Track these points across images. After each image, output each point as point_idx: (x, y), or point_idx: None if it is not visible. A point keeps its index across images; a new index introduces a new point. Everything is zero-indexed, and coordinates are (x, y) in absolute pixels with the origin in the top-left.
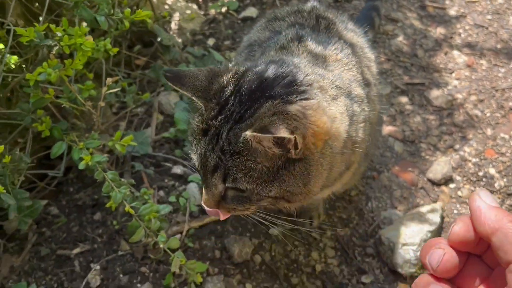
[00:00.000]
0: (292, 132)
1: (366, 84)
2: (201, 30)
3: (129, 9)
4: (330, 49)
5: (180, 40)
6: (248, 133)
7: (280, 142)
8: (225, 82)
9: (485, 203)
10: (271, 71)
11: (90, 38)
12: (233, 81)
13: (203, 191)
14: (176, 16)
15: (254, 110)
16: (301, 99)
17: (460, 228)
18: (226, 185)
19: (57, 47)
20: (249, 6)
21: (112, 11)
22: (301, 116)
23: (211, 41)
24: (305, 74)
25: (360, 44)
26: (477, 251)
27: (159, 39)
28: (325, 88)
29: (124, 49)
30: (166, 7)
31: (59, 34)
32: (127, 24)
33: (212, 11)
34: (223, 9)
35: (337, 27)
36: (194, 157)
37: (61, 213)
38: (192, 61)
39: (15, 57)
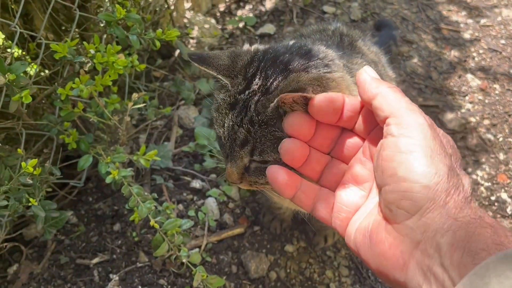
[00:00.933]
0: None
1: None
2: (219, 45)
3: (160, 30)
4: (352, 63)
5: None
6: (281, 95)
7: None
8: (249, 59)
9: (369, 76)
10: (294, 48)
11: (122, 57)
12: (256, 58)
13: (228, 165)
14: (195, 30)
15: (280, 81)
16: (325, 72)
17: (321, 100)
18: (254, 157)
19: (89, 64)
20: (266, 23)
21: (144, 31)
22: (325, 84)
23: None
24: (326, 52)
25: (382, 62)
26: (349, 125)
27: (177, 53)
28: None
29: (145, 62)
30: (185, 20)
31: (92, 51)
32: (158, 44)
33: (230, 27)
34: (241, 25)
35: (359, 44)
36: (221, 131)
37: (80, 222)
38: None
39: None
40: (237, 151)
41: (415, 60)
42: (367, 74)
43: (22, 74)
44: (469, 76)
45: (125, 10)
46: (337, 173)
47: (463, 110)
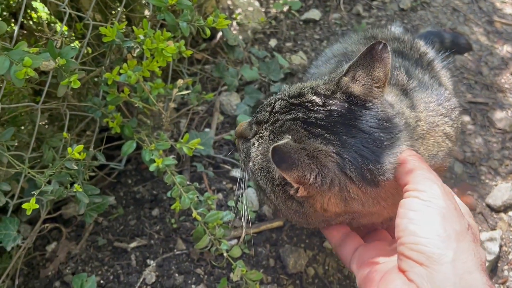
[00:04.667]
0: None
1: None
2: (262, 29)
3: (211, 18)
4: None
5: (240, 37)
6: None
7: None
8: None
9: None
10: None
11: (171, 44)
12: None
13: (247, 121)
14: (238, 12)
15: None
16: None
17: None
18: (254, 139)
19: (138, 49)
20: (312, 8)
21: (194, 17)
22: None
23: (272, 42)
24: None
25: (450, 88)
26: None
27: (219, 35)
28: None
29: (188, 45)
30: (229, 2)
31: (141, 36)
32: (208, 32)
33: (274, 10)
34: (285, 8)
35: (436, 66)
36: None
37: (119, 204)
38: (255, 62)
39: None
40: (257, 127)
41: (465, 53)
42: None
43: (71, 59)
44: None
45: None
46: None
47: None
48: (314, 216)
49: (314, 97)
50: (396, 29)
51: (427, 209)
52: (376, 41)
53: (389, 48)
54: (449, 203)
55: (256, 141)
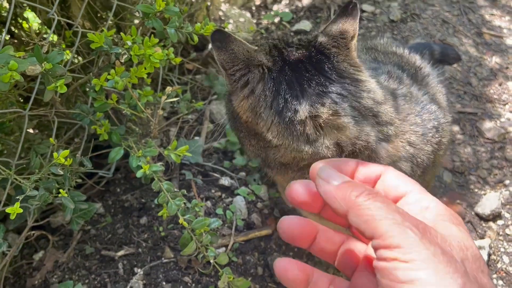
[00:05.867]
0: (226, 69)
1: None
2: (253, 39)
3: (199, 25)
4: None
5: None
6: None
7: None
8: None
9: (330, 186)
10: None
11: (158, 50)
12: None
13: None
14: (230, 23)
15: None
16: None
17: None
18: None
19: (126, 55)
20: (303, 19)
21: (182, 24)
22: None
23: None
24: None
25: (443, 104)
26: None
27: (210, 46)
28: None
29: (179, 54)
30: (220, 13)
31: (129, 43)
32: (196, 39)
33: (265, 21)
34: (276, 20)
35: (431, 82)
36: None
37: (107, 212)
38: None
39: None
40: None
41: (455, 64)
42: (326, 185)
43: (58, 64)
44: (510, 84)
45: (164, 2)
46: (353, 255)
47: (502, 119)
48: (239, 120)
49: (294, 39)
50: (396, 47)
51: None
52: (348, 1)
53: (358, 6)
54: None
55: None
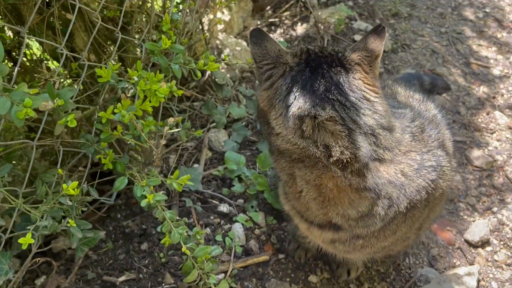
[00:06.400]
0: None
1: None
2: (250, 68)
3: (202, 61)
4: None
5: (228, 75)
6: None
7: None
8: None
9: None
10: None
11: (163, 85)
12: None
13: None
14: (226, 51)
15: None
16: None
17: None
18: None
19: (132, 90)
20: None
21: (185, 60)
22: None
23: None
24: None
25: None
26: None
27: (207, 74)
28: None
29: (178, 83)
30: (217, 42)
31: (135, 78)
32: (199, 74)
33: None
34: None
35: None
36: None
37: (108, 238)
38: (243, 100)
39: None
40: None
41: (444, 94)
42: None
43: (69, 99)
44: (497, 113)
45: (170, 41)
46: None
47: (490, 148)
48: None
49: (328, 48)
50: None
51: None
52: (378, 24)
53: (385, 29)
54: None
55: None
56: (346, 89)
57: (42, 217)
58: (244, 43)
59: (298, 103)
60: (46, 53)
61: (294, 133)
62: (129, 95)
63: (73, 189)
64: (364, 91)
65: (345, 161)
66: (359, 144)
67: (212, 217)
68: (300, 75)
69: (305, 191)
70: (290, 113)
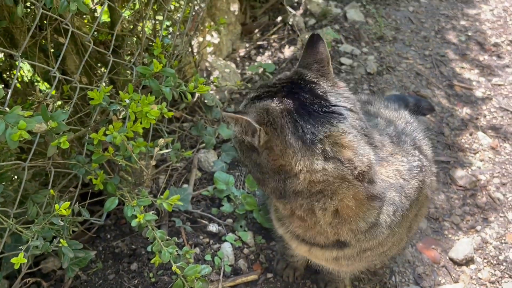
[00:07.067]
0: (260, 124)
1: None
2: (238, 89)
3: (192, 84)
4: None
5: (218, 97)
6: (223, 113)
7: (251, 129)
8: (300, 74)
9: None
10: (318, 98)
11: (154, 107)
12: (300, 78)
13: None
14: (215, 73)
15: (262, 101)
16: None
17: None
18: None
19: (123, 112)
20: (285, 71)
21: (176, 83)
22: (275, 124)
23: None
24: (330, 130)
25: (430, 158)
26: None
27: (197, 95)
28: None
29: (168, 104)
30: (207, 64)
31: (127, 100)
32: (189, 97)
33: (249, 72)
34: (260, 70)
35: (421, 139)
36: None
37: (98, 258)
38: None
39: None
40: None
41: (428, 115)
42: None
43: (62, 122)
44: (480, 134)
45: (161, 65)
46: None
47: (473, 168)
48: (265, 165)
49: (275, 79)
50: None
51: None
52: (311, 34)
53: (320, 36)
54: None
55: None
56: (333, 101)
57: (33, 237)
58: (233, 65)
59: (308, 130)
60: (37, 75)
61: (317, 159)
62: (120, 117)
63: (65, 209)
64: (342, 96)
65: (365, 169)
66: (367, 149)
67: (201, 237)
68: (289, 108)
69: (322, 219)
70: (308, 141)
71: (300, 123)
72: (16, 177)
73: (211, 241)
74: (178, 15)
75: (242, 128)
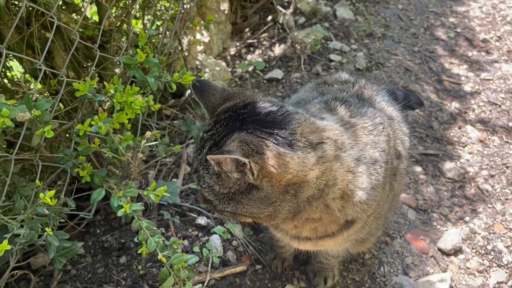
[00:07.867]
0: (246, 156)
1: (398, 156)
2: (228, 86)
3: (177, 74)
4: (363, 117)
5: None
6: (208, 156)
7: (238, 167)
8: (230, 106)
9: None
10: (267, 109)
11: (139, 97)
12: (235, 108)
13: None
14: (206, 71)
15: (227, 138)
16: (269, 136)
17: None
18: (203, 191)
19: (109, 103)
20: (275, 68)
21: (161, 74)
22: (259, 148)
23: None
24: (297, 123)
25: (397, 119)
26: None
27: (187, 93)
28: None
29: (158, 101)
30: (197, 62)
31: (112, 91)
32: (174, 87)
33: (240, 70)
34: (250, 68)
35: (378, 99)
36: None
37: (87, 253)
38: None
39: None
40: (195, 176)
41: (417, 109)
42: None
43: (46, 111)
44: (469, 127)
45: (145, 54)
46: None
47: (462, 160)
48: (272, 193)
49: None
50: (343, 74)
51: None
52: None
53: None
54: None
55: (202, 171)
56: (275, 106)
57: (19, 227)
58: (224, 64)
59: (285, 133)
60: (27, 75)
61: (308, 152)
62: (105, 107)
63: (50, 199)
64: (271, 101)
65: (340, 139)
66: (330, 122)
67: (190, 230)
68: (256, 128)
69: (336, 209)
70: (293, 142)
71: (274, 132)
72: (3, 171)
73: (200, 234)
74: (167, 12)
75: (230, 167)
